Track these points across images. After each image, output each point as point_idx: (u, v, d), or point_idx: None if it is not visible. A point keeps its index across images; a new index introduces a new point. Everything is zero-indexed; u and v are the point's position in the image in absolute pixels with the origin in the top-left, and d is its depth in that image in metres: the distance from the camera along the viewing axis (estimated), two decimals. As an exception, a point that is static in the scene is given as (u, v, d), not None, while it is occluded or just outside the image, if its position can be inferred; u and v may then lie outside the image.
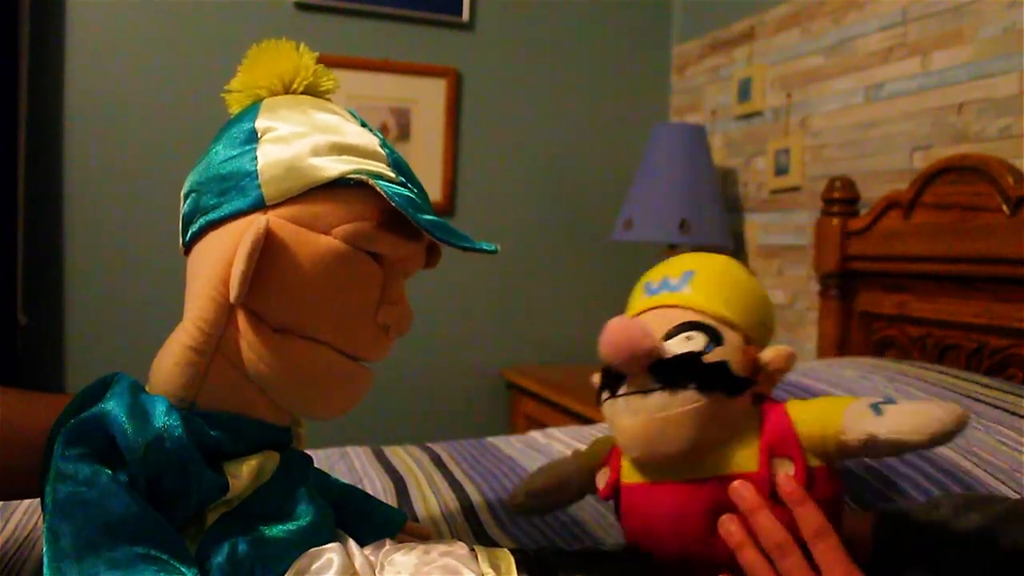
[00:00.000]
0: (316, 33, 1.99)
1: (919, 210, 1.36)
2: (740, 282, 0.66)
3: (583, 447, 1.20)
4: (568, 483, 0.76)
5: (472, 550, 0.59)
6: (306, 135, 0.55)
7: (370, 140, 0.58)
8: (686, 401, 0.60)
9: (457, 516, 0.94)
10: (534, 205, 2.23)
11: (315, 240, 0.53)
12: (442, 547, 0.58)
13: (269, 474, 0.55)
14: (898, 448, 0.56)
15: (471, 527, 0.91)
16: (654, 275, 0.69)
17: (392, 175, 0.56)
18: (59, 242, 1.84)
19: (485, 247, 0.57)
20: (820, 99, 1.74)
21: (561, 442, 1.26)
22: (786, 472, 0.59)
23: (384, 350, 0.59)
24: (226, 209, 0.54)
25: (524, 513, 0.81)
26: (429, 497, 1.00)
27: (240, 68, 0.61)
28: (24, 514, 0.88)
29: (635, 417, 0.61)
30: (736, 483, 0.59)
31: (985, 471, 0.84)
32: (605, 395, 0.65)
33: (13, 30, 1.69)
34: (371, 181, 0.54)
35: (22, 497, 0.74)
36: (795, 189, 1.81)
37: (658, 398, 0.60)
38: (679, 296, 0.65)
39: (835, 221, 1.51)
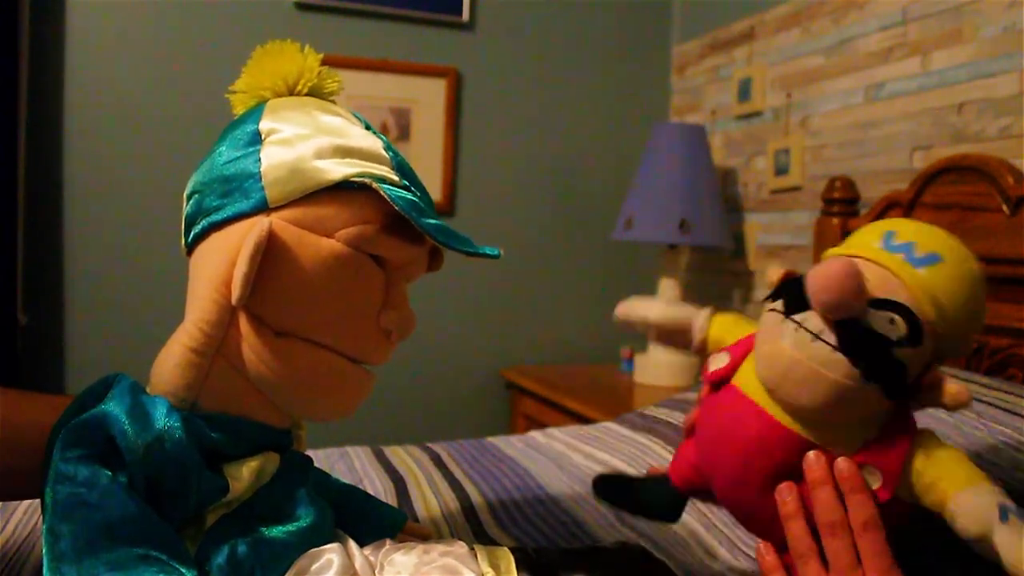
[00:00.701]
0: (316, 33, 1.99)
1: (919, 210, 1.36)
2: (975, 298, 0.60)
3: (584, 447, 1.21)
4: (687, 332, 0.71)
5: (472, 549, 0.59)
6: (310, 137, 0.55)
7: (374, 143, 0.57)
8: (846, 374, 0.55)
9: (457, 516, 0.94)
10: (534, 205, 2.23)
11: (318, 243, 0.53)
12: (442, 547, 0.58)
13: (269, 476, 0.55)
14: (996, 559, 0.52)
15: (471, 527, 0.91)
16: (901, 230, 0.60)
17: (396, 178, 0.56)
18: (59, 242, 1.84)
19: (488, 252, 0.57)
20: (820, 99, 1.74)
21: (561, 442, 1.26)
22: (874, 482, 0.56)
23: (386, 354, 0.59)
24: (229, 211, 0.54)
25: (626, 327, 0.76)
26: (429, 497, 1.00)
27: (244, 69, 0.61)
28: (24, 514, 0.88)
29: (794, 350, 0.57)
30: (812, 453, 0.57)
31: (987, 473, 0.84)
32: (779, 306, 0.59)
33: (13, 30, 1.69)
34: (375, 184, 0.53)
35: (23, 498, 0.74)
36: (795, 189, 1.81)
37: (824, 351, 0.55)
38: (913, 273, 0.58)
39: (835, 221, 1.51)
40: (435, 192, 2.11)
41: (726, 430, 0.61)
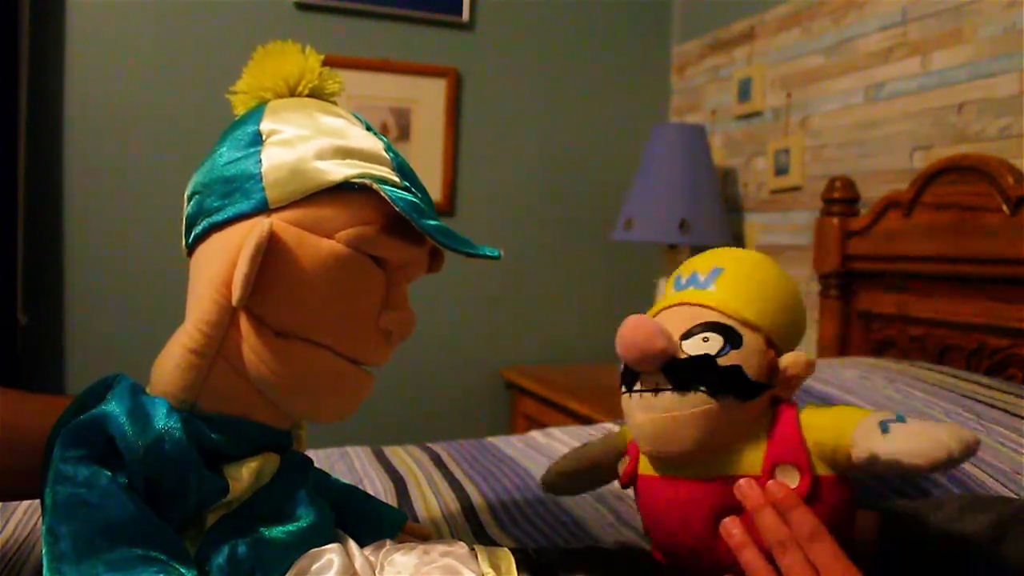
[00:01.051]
0: (316, 33, 1.99)
1: (919, 210, 1.36)
2: (768, 282, 0.65)
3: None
4: (597, 466, 0.77)
5: (472, 550, 0.59)
6: (311, 138, 0.55)
7: (375, 144, 0.58)
8: (696, 403, 0.60)
9: (457, 516, 0.94)
10: (534, 205, 2.23)
11: (318, 244, 0.53)
12: (442, 547, 0.58)
13: (269, 476, 0.55)
14: (897, 470, 0.55)
15: (471, 527, 0.91)
16: (684, 269, 0.68)
17: (396, 179, 0.56)
18: (59, 242, 1.84)
19: (488, 252, 0.57)
20: (820, 99, 1.74)
21: (561, 442, 1.26)
22: (791, 478, 0.59)
23: (385, 355, 0.59)
24: (230, 211, 0.54)
25: (554, 492, 0.81)
26: (429, 497, 1.00)
27: (246, 69, 0.61)
28: (24, 514, 0.88)
29: (646, 414, 0.61)
30: (742, 481, 0.59)
31: (985, 472, 0.84)
32: (623, 390, 0.65)
33: (13, 30, 1.69)
34: (375, 186, 0.54)
35: (23, 498, 0.74)
36: (795, 189, 1.81)
37: (669, 398, 0.60)
38: (703, 294, 0.64)
39: (835, 221, 1.51)
40: (435, 192, 2.11)
41: (657, 513, 0.65)
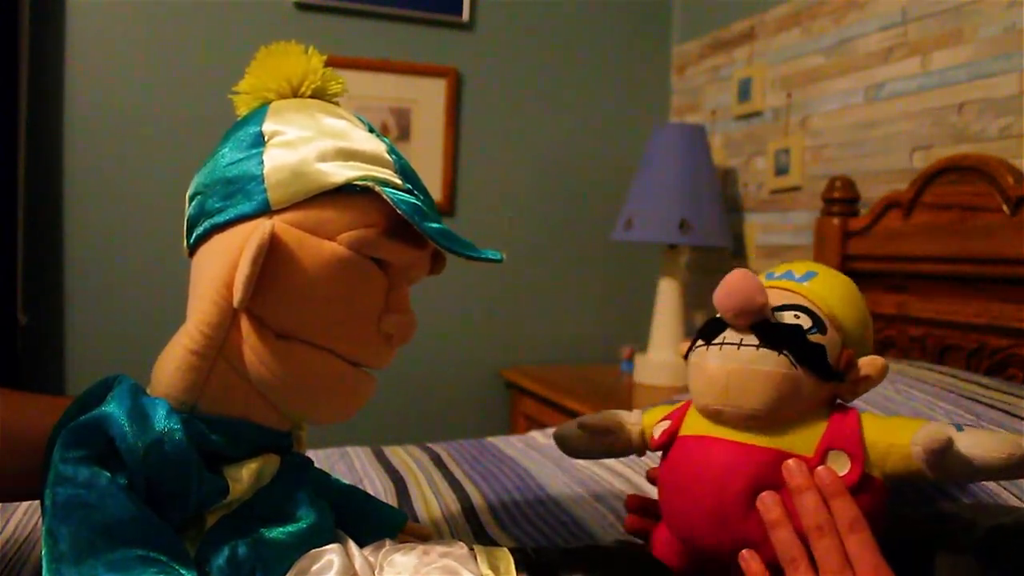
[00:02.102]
0: (316, 33, 1.98)
1: (919, 210, 1.36)
2: (854, 295, 0.68)
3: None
4: (621, 429, 0.77)
5: (471, 550, 0.59)
6: (313, 140, 0.55)
7: (377, 146, 0.57)
8: (778, 364, 0.60)
9: (457, 516, 0.94)
10: (534, 205, 2.23)
11: (320, 246, 0.53)
12: (441, 547, 0.59)
13: (269, 477, 0.55)
14: (969, 465, 0.55)
15: (471, 527, 0.91)
16: (778, 269, 0.71)
17: (399, 182, 0.56)
18: (59, 242, 1.84)
19: (490, 256, 0.57)
20: (820, 99, 1.74)
21: (561, 442, 1.26)
22: (841, 466, 0.59)
23: (386, 358, 0.59)
24: (231, 213, 0.54)
25: (565, 448, 0.80)
26: (429, 497, 1.00)
27: (248, 70, 0.61)
28: (24, 515, 0.88)
29: (726, 364, 0.62)
30: (791, 461, 0.59)
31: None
32: (699, 343, 0.65)
33: (13, 31, 1.69)
34: (377, 188, 0.54)
35: (23, 499, 0.73)
36: (795, 189, 1.81)
37: (753, 353, 0.61)
38: (799, 285, 0.66)
39: (835, 221, 1.51)
40: (435, 192, 2.11)
41: (691, 474, 0.64)
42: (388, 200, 0.53)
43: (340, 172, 0.54)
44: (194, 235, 0.56)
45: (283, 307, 0.53)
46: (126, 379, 0.53)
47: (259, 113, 0.58)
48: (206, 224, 0.55)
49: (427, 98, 2.10)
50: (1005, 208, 1.20)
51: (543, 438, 1.30)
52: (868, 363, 0.63)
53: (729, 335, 0.63)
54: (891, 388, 1.04)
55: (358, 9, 2.02)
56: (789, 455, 0.60)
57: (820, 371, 0.61)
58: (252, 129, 0.56)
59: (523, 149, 2.21)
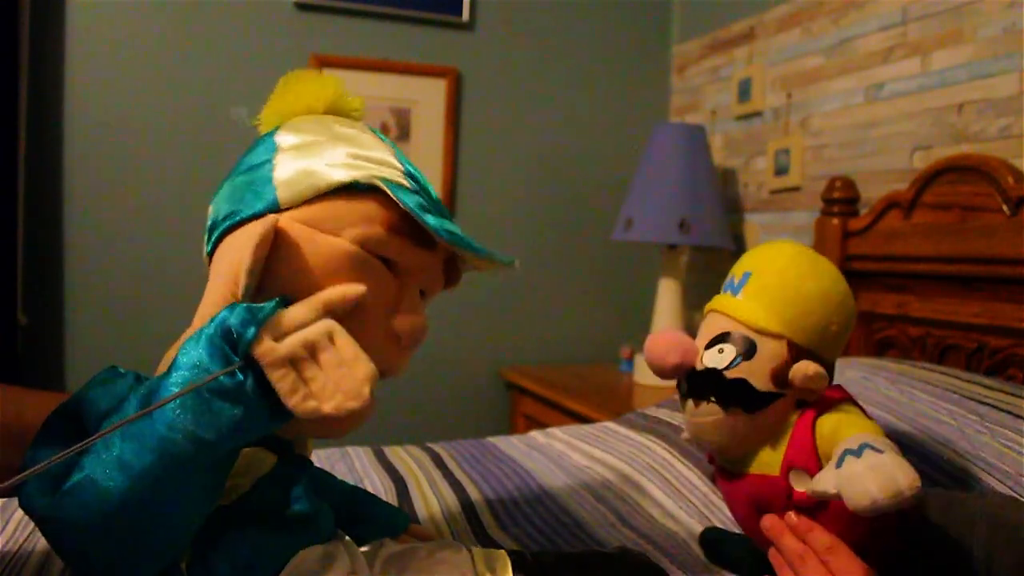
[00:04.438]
0: (316, 33, 1.98)
1: (919, 210, 1.36)
2: (795, 285, 0.65)
3: (584, 447, 1.21)
4: None
5: (469, 552, 0.59)
6: (324, 144, 0.57)
7: (386, 151, 0.59)
8: (709, 412, 0.65)
9: (457, 516, 0.94)
10: (534, 205, 2.23)
11: (326, 241, 0.54)
12: (439, 548, 0.59)
13: (268, 467, 0.55)
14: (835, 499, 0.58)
15: (472, 527, 0.91)
16: (733, 270, 0.71)
17: (406, 183, 0.58)
18: (59, 242, 1.84)
19: (500, 258, 0.59)
20: (820, 99, 1.74)
21: (561, 442, 1.26)
22: (803, 482, 0.62)
23: (396, 362, 0.59)
24: (243, 213, 0.55)
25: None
26: (429, 497, 1.00)
27: (271, 97, 0.63)
28: (24, 514, 0.87)
29: (685, 416, 0.68)
30: (766, 518, 0.64)
31: (991, 476, 0.84)
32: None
33: (13, 31, 1.69)
34: (383, 186, 0.55)
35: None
36: (795, 189, 1.81)
37: (691, 405, 0.67)
38: (730, 302, 0.67)
39: (835, 221, 1.51)
40: (435, 192, 2.11)
41: (726, 502, 0.74)
42: (393, 197, 0.54)
43: (348, 172, 0.55)
44: (211, 240, 0.58)
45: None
46: (125, 374, 0.53)
47: (276, 129, 0.60)
48: (221, 227, 0.56)
49: (427, 98, 2.10)
50: (1005, 208, 1.20)
51: (543, 438, 1.30)
52: (800, 376, 0.63)
53: (678, 387, 0.69)
54: (894, 390, 1.04)
55: (358, 9, 2.02)
56: (765, 477, 0.64)
57: (747, 404, 0.63)
58: (267, 140, 0.59)
59: (523, 149, 2.21)
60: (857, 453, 0.57)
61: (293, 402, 0.46)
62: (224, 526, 0.51)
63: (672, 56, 2.33)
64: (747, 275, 0.67)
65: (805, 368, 0.63)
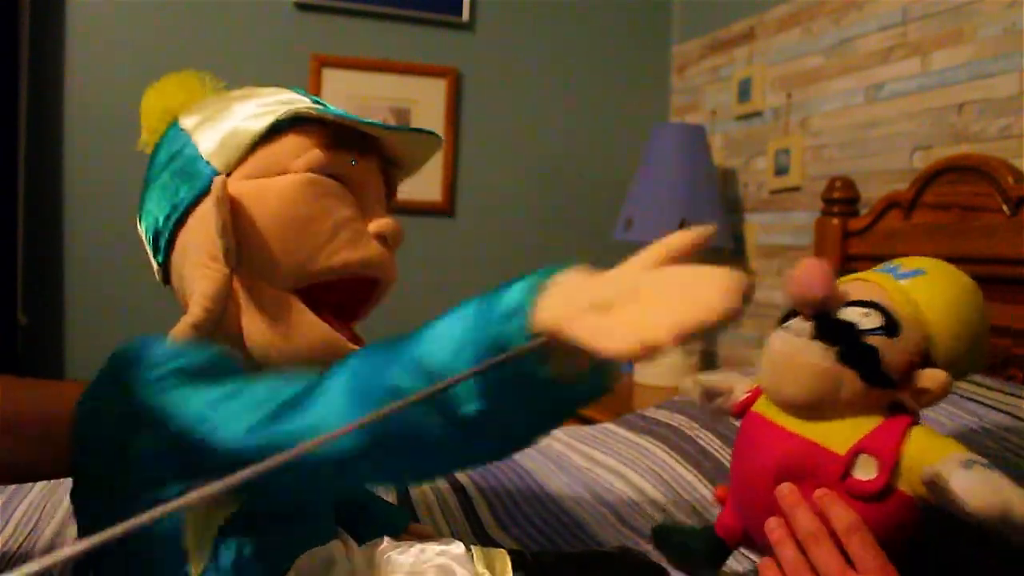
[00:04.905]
0: (316, 33, 1.99)
1: (919, 210, 1.36)
2: (964, 308, 0.64)
3: (584, 447, 1.21)
4: (730, 394, 0.76)
5: (469, 550, 0.59)
6: (230, 107, 0.58)
7: (287, 92, 0.61)
8: (822, 358, 0.60)
9: (457, 516, 0.94)
10: (534, 205, 2.23)
11: (277, 182, 0.55)
12: (439, 547, 0.59)
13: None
14: (961, 508, 0.53)
15: (471, 527, 0.91)
16: (894, 261, 0.69)
17: (319, 106, 0.59)
18: (59, 242, 1.84)
19: (423, 130, 0.61)
20: (820, 99, 1.74)
21: (561, 442, 1.26)
22: (868, 471, 0.58)
23: (391, 262, 0.60)
24: (185, 201, 0.56)
25: (690, 399, 0.81)
26: (429, 497, 1.00)
27: (142, 115, 0.64)
28: (24, 515, 0.87)
29: (781, 348, 0.63)
30: (784, 486, 0.61)
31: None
32: (780, 324, 0.66)
33: (13, 30, 1.69)
34: (304, 110, 0.56)
35: (22, 481, 0.74)
36: (795, 189, 1.81)
37: (801, 342, 0.61)
38: (894, 283, 0.65)
39: (835, 221, 1.51)
40: (435, 192, 2.11)
41: (741, 446, 0.67)
42: (313, 112, 0.56)
43: (266, 118, 0.57)
44: (161, 248, 0.58)
45: (270, 252, 0.55)
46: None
47: (172, 124, 0.61)
48: (167, 230, 0.57)
49: (427, 98, 2.10)
50: (1005, 208, 1.20)
51: (543, 438, 1.30)
52: (929, 377, 0.61)
53: (796, 322, 0.63)
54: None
55: (358, 9, 2.02)
56: (821, 448, 0.60)
57: (867, 373, 0.59)
58: (170, 133, 0.60)
59: (523, 149, 2.21)
60: (986, 465, 0.55)
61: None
62: (235, 528, 0.52)
63: (672, 56, 2.33)
64: (919, 271, 0.65)
65: (939, 375, 0.61)
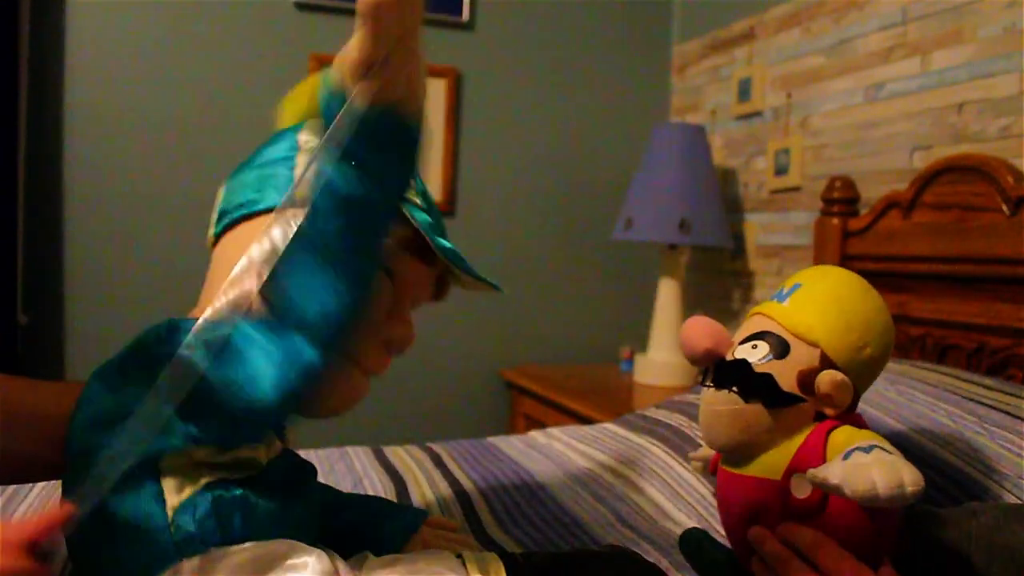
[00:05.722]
0: (316, 33, 1.98)
1: (919, 210, 1.36)
2: (842, 302, 0.67)
3: (584, 447, 1.21)
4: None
5: (460, 557, 0.59)
6: None
7: None
8: (729, 401, 0.64)
9: (457, 516, 0.94)
10: (534, 205, 2.23)
11: None
12: (428, 558, 0.58)
13: (276, 451, 0.56)
14: (841, 496, 0.55)
15: (472, 527, 0.91)
16: (784, 282, 0.73)
17: (418, 201, 0.60)
18: (59, 242, 1.84)
19: (492, 283, 0.62)
20: (820, 99, 1.74)
21: (561, 442, 1.26)
22: (804, 489, 0.62)
23: (383, 364, 0.61)
24: (259, 204, 0.57)
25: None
26: (429, 497, 1.00)
27: (291, 94, 0.65)
28: (24, 514, 0.87)
29: (703, 404, 0.68)
30: (754, 529, 0.64)
31: (990, 478, 0.83)
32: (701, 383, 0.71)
33: (13, 30, 1.69)
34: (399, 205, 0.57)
35: (21, 482, 0.73)
36: (795, 189, 1.81)
37: (712, 393, 0.66)
38: (774, 307, 0.68)
39: (835, 221, 1.51)
40: (435, 192, 2.11)
41: (721, 502, 0.72)
42: (407, 215, 0.56)
43: None
44: (222, 224, 0.59)
45: None
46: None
47: (298, 126, 0.61)
48: (236, 214, 0.58)
49: (427, 98, 2.09)
50: (1005, 208, 1.20)
51: (543, 438, 1.30)
52: (826, 382, 0.63)
53: (706, 375, 0.68)
54: (893, 390, 1.04)
55: (358, 9, 2.01)
56: (768, 481, 0.64)
57: (769, 400, 0.63)
58: (290, 136, 0.60)
59: (523, 149, 2.21)
60: (867, 450, 0.57)
61: None
62: (218, 487, 0.51)
63: (672, 56, 2.33)
64: (797, 286, 0.69)
65: (832, 375, 0.63)
